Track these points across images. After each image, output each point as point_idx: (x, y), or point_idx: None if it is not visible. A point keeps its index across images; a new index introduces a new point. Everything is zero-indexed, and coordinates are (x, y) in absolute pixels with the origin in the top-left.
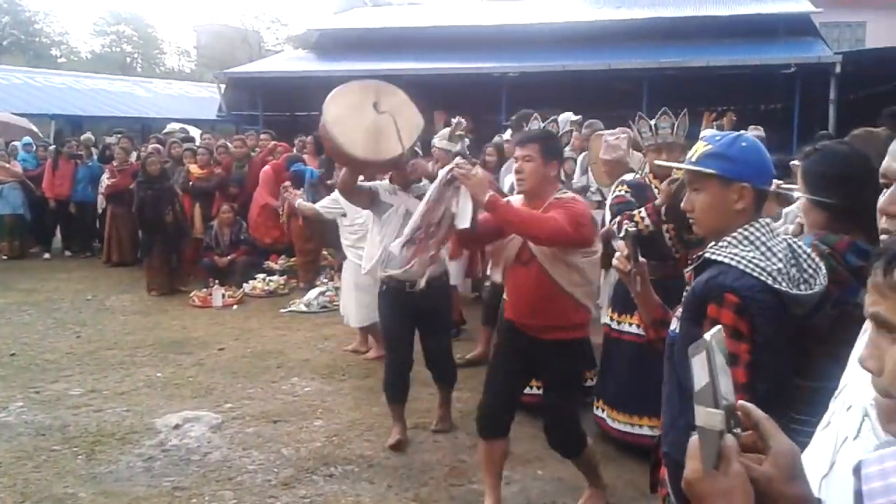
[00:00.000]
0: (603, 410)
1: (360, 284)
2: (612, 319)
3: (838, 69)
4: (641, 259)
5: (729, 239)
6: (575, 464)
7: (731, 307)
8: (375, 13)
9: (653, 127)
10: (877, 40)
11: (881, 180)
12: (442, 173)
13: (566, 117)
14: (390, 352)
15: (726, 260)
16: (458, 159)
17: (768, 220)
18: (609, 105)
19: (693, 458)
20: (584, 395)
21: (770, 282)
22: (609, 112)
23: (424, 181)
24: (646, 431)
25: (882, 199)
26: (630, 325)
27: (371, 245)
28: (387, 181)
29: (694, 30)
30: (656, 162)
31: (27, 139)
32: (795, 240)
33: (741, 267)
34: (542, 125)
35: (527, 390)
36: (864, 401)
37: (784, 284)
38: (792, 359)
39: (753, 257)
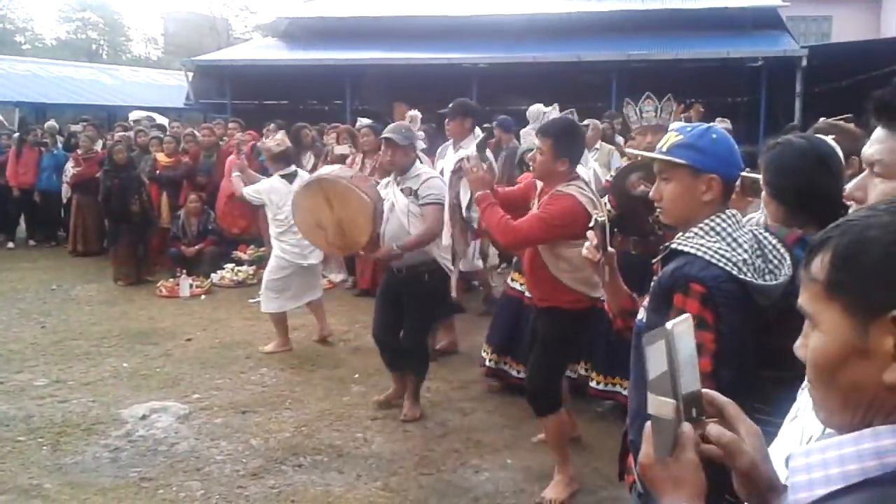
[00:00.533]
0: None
1: (272, 275)
2: (513, 280)
3: (804, 63)
4: (610, 249)
5: (695, 230)
6: (543, 429)
7: (697, 297)
8: (345, 2)
9: (637, 111)
10: (842, 34)
11: (863, 165)
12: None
13: (537, 109)
14: (375, 336)
15: (692, 250)
16: (470, 153)
17: (734, 211)
18: (578, 97)
19: (647, 443)
20: (563, 367)
21: (735, 272)
22: (578, 104)
23: (415, 170)
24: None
25: (849, 185)
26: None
27: None
28: (390, 177)
29: (663, 22)
30: (626, 149)
31: None
32: (762, 230)
33: (707, 257)
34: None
35: (515, 373)
36: None
37: (749, 275)
38: (755, 348)
39: (719, 248)
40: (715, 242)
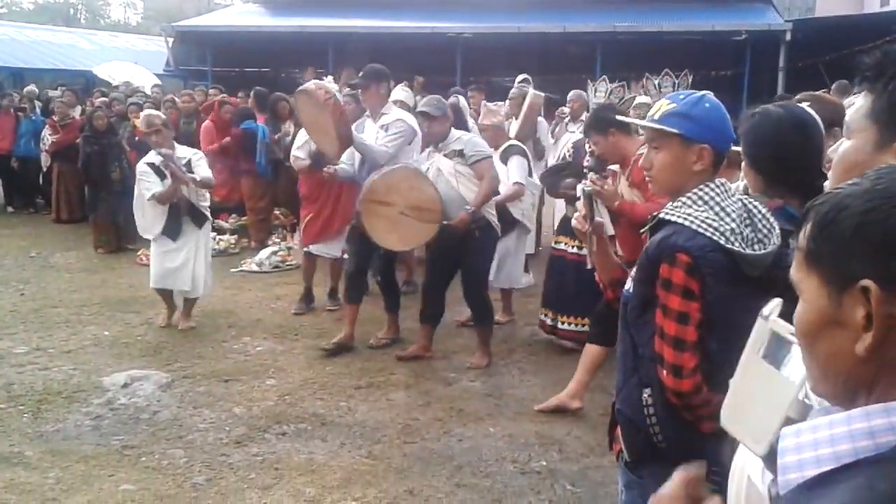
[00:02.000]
0: (547, 315)
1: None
2: (556, 243)
3: (788, 37)
4: (598, 219)
5: (683, 199)
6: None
7: (682, 266)
8: None
9: (656, 85)
10: (827, 9)
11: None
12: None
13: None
14: (425, 289)
15: (679, 220)
16: (591, 175)
17: (723, 180)
18: (563, 68)
19: None
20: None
21: (722, 241)
22: (563, 75)
23: (454, 135)
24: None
25: (831, 153)
26: (571, 246)
27: None
28: (429, 148)
29: None
30: (618, 117)
31: None
32: (751, 199)
33: (694, 227)
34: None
35: (563, 325)
36: None
37: (737, 244)
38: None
39: (707, 217)
40: (702, 212)
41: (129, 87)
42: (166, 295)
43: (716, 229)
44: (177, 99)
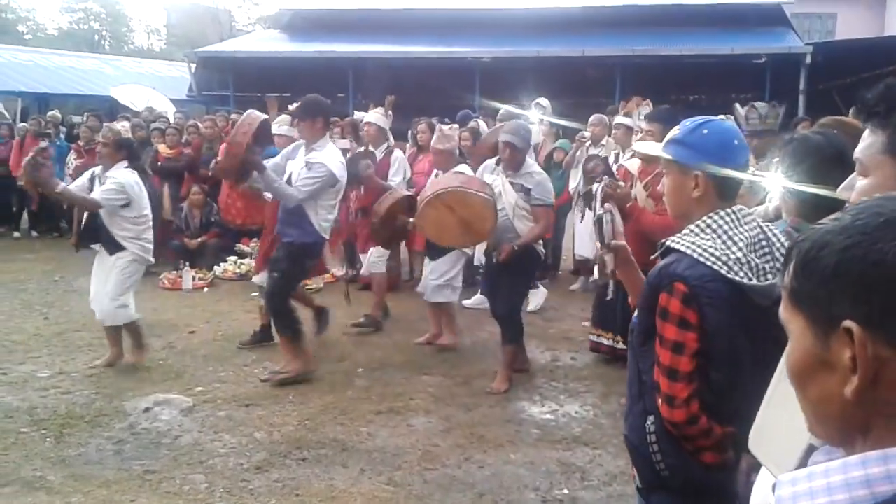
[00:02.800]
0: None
1: (127, 281)
2: None
3: (809, 60)
4: (616, 242)
5: (691, 227)
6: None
7: (679, 296)
8: None
9: (744, 117)
10: (847, 32)
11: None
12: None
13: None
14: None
15: (682, 248)
16: (605, 178)
17: (738, 207)
18: (582, 91)
19: None
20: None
21: (724, 271)
22: (582, 98)
23: (527, 167)
24: None
25: (841, 186)
26: None
27: None
28: (493, 161)
29: (667, 18)
30: (634, 146)
31: None
32: (772, 227)
33: (695, 256)
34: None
35: (604, 341)
36: None
37: (741, 274)
38: (753, 349)
39: (710, 246)
40: (706, 240)
41: (152, 113)
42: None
43: (718, 258)
44: (200, 124)
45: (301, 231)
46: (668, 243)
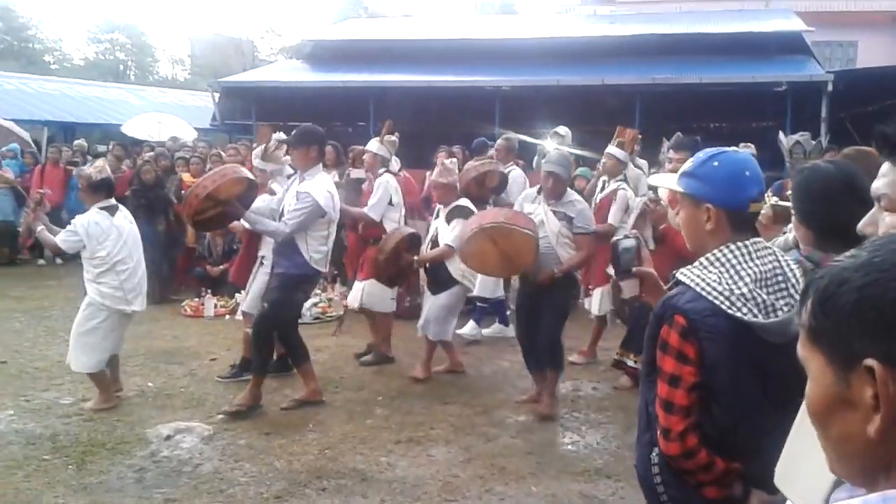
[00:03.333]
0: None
1: (84, 325)
2: None
3: (830, 88)
4: (641, 269)
5: (701, 259)
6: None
7: (678, 329)
8: (370, 25)
9: (788, 151)
10: (868, 60)
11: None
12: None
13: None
14: (519, 340)
15: (687, 281)
16: (649, 193)
17: (754, 240)
18: (602, 120)
19: None
20: None
21: (725, 306)
22: (602, 127)
23: (568, 197)
24: None
25: (862, 220)
26: None
27: None
28: (534, 190)
29: (687, 46)
30: (649, 179)
31: (13, 145)
32: (790, 261)
33: (698, 289)
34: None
35: (628, 361)
36: None
37: (744, 310)
38: (767, 385)
39: (713, 280)
40: (712, 274)
41: (175, 143)
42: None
43: (720, 293)
44: (223, 153)
45: (291, 263)
46: (676, 275)
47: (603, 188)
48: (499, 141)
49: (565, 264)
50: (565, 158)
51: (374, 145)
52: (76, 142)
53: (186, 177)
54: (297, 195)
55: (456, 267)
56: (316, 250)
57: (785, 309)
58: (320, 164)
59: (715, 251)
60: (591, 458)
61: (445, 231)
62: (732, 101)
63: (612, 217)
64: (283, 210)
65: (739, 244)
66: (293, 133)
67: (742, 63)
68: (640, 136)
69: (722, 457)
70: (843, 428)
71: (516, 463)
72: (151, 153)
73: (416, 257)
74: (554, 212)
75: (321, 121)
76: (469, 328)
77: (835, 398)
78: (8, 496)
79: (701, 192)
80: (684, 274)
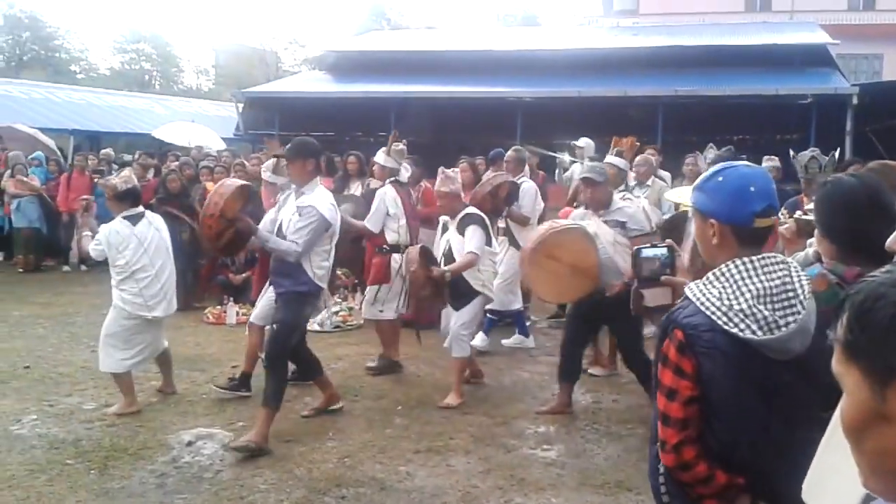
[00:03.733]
0: None
1: (109, 327)
2: None
3: (855, 101)
4: (672, 278)
5: (709, 274)
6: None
7: (675, 343)
8: (392, 36)
9: (803, 167)
10: (894, 73)
11: None
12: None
13: (588, 143)
14: (565, 347)
15: (690, 295)
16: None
17: (763, 255)
18: (624, 132)
19: None
20: None
21: (721, 322)
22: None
23: (616, 204)
24: None
25: (891, 237)
26: None
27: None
28: (581, 210)
29: (710, 58)
30: (667, 194)
31: (38, 153)
32: (803, 278)
33: (698, 304)
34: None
35: None
36: None
37: (742, 326)
38: (773, 402)
39: (712, 295)
40: (714, 289)
41: (200, 152)
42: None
43: (718, 308)
44: (246, 163)
45: (294, 281)
46: (685, 289)
47: None
48: (509, 153)
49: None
50: (598, 165)
51: (381, 157)
52: (103, 150)
53: (210, 185)
54: (299, 210)
55: (476, 277)
56: (319, 266)
57: (788, 326)
58: (318, 178)
59: (722, 266)
60: (611, 470)
61: (462, 240)
62: (756, 114)
63: None
64: (280, 226)
65: (745, 259)
66: (288, 146)
67: (766, 75)
68: (637, 144)
69: (727, 471)
70: (879, 443)
71: (536, 474)
72: (176, 162)
73: (446, 268)
74: (605, 222)
75: (343, 131)
76: (478, 339)
77: (870, 413)
78: (31, 499)
79: (706, 207)
80: (690, 288)
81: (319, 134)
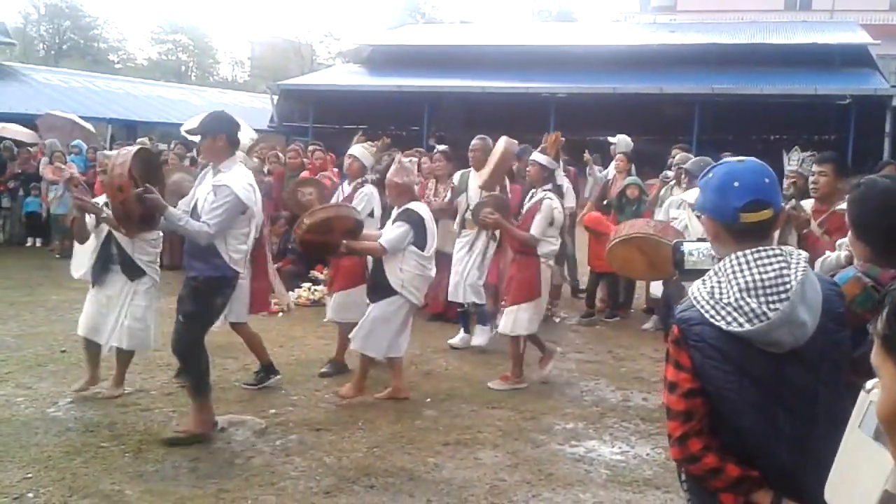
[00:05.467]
0: None
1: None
2: None
3: (894, 102)
4: None
5: (710, 270)
6: None
7: (673, 338)
8: (427, 30)
9: (788, 159)
10: None
11: None
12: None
13: (623, 139)
14: None
15: (689, 291)
16: (793, 201)
17: (757, 249)
18: (659, 129)
19: None
20: None
21: (709, 315)
22: (658, 136)
23: None
24: None
25: None
26: None
27: None
28: (679, 196)
29: (748, 57)
30: (682, 196)
31: (77, 141)
32: (809, 273)
33: (692, 299)
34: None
35: None
36: None
37: (728, 318)
38: (767, 394)
39: (703, 289)
40: (707, 283)
41: None
42: (92, 351)
43: (706, 302)
44: (281, 154)
45: (207, 265)
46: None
47: (531, 198)
48: (474, 142)
49: None
50: (702, 160)
51: (361, 153)
52: (139, 139)
53: None
54: (214, 189)
55: (395, 275)
56: (235, 249)
57: (771, 315)
58: (236, 156)
59: (721, 262)
60: (640, 468)
61: (387, 229)
62: (794, 113)
63: (535, 228)
64: (195, 206)
65: (739, 253)
66: (199, 123)
67: (804, 75)
68: (563, 140)
69: (741, 464)
70: None
71: (564, 470)
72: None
73: (345, 241)
74: (698, 216)
75: (376, 124)
76: (479, 335)
77: None
78: (66, 481)
79: (699, 205)
80: (693, 285)
81: (352, 126)
